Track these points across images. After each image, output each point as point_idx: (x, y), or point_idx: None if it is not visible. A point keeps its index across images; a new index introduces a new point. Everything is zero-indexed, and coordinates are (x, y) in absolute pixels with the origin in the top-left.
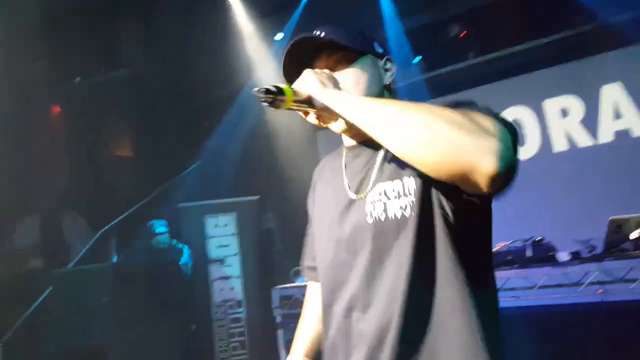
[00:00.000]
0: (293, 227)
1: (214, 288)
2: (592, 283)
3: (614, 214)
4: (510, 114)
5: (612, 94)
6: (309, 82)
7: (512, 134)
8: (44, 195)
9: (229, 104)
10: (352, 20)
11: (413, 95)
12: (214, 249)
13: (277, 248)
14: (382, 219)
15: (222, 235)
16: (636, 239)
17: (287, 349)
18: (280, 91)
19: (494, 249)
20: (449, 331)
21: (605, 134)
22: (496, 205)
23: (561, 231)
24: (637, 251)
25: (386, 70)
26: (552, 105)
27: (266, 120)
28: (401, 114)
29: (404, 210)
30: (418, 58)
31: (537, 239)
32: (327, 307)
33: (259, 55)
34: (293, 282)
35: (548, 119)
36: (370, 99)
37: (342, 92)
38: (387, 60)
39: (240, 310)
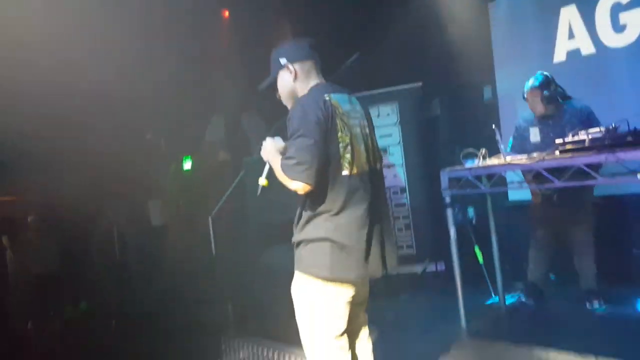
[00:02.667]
0: (461, 112)
1: None
2: None
3: None
4: None
5: None
6: (264, 154)
7: (296, 169)
8: (226, 95)
9: None
10: None
11: None
12: (377, 139)
13: (443, 135)
14: None
15: (385, 125)
16: None
17: (456, 226)
18: (263, 187)
19: None
20: None
21: None
22: None
23: None
24: None
25: (290, 74)
26: None
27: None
28: (281, 177)
29: None
30: None
31: None
32: None
33: None
34: (463, 164)
35: None
36: (275, 168)
37: (272, 161)
38: (287, 67)
39: (404, 196)
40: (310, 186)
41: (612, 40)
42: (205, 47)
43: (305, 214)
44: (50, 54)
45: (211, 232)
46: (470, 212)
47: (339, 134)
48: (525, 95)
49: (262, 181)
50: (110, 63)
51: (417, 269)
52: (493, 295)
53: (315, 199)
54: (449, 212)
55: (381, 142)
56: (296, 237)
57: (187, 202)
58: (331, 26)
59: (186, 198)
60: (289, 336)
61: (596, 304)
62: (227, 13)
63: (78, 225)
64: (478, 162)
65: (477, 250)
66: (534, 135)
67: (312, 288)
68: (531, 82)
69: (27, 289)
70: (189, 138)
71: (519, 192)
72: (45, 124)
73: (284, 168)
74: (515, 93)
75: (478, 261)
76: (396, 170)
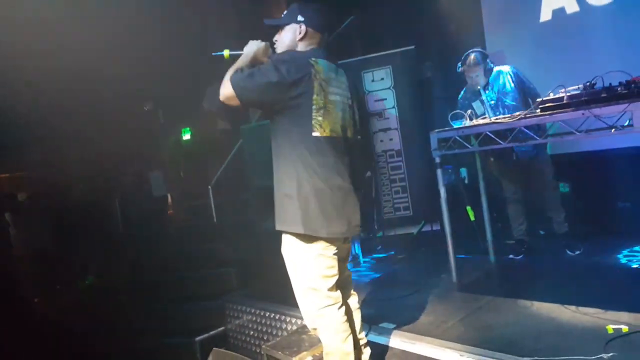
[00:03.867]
0: (453, 74)
1: (374, 140)
2: None
3: None
4: None
5: None
6: (247, 47)
7: (240, 83)
8: (223, 64)
9: None
10: None
11: None
12: (372, 103)
13: (436, 97)
14: None
15: (379, 89)
16: None
17: (446, 187)
18: (222, 55)
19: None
20: None
21: None
22: None
23: None
24: None
25: (300, 32)
26: None
27: None
28: (226, 75)
29: None
30: None
31: None
32: None
33: None
34: (451, 125)
35: None
36: (235, 65)
37: (243, 55)
38: (300, 25)
39: (400, 159)
40: (235, 100)
41: None
42: (201, 16)
43: (279, 172)
44: (44, 31)
45: (211, 200)
46: (463, 172)
47: (314, 96)
48: (466, 72)
49: (226, 52)
50: (107, 38)
51: (413, 229)
52: (484, 252)
53: (288, 156)
54: (439, 173)
55: (376, 106)
56: (274, 194)
57: (188, 173)
58: None
59: (187, 168)
60: (292, 299)
61: (575, 250)
62: None
63: (80, 199)
64: (465, 123)
65: (469, 209)
66: (478, 108)
67: (296, 245)
68: (471, 59)
69: (30, 264)
70: (188, 108)
71: None
72: (44, 100)
73: (235, 70)
74: (505, 52)
75: (470, 220)
76: (392, 133)
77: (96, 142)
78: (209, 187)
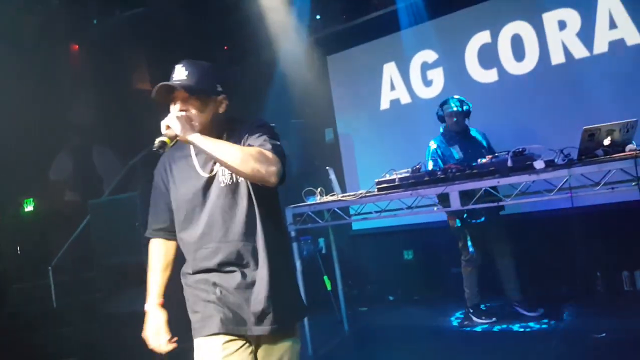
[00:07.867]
0: (307, 152)
1: None
2: (563, 188)
3: (599, 123)
4: (509, 29)
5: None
6: (174, 125)
7: (282, 158)
8: (74, 131)
9: (242, 31)
10: None
11: (412, 14)
12: None
13: (293, 173)
14: (230, 182)
15: None
16: (607, 145)
17: (302, 258)
18: (164, 144)
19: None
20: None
21: (600, 45)
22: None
23: (544, 141)
24: (607, 156)
25: (220, 104)
26: (550, 18)
27: (275, 50)
28: (228, 152)
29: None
30: None
31: (518, 150)
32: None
33: None
34: (305, 201)
35: (547, 33)
36: (212, 142)
37: (196, 135)
38: (222, 98)
39: None
40: (281, 179)
41: (423, 92)
42: (50, 80)
43: (275, 252)
44: None
45: (51, 282)
46: (321, 242)
47: None
48: (452, 114)
49: (166, 139)
50: None
51: None
52: (339, 321)
53: (280, 228)
54: (295, 246)
55: None
56: (270, 283)
57: (27, 249)
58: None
59: (26, 244)
60: None
61: (534, 312)
62: (76, 47)
63: None
64: (317, 199)
65: (325, 279)
66: (457, 152)
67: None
68: (458, 103)
69: None
70: (31, 178)
71: (360, 223)
72: None
73: (273, 147)
74: (352, 134)
75: (327, 289)
76: None
77: None
78: (49, 267)
